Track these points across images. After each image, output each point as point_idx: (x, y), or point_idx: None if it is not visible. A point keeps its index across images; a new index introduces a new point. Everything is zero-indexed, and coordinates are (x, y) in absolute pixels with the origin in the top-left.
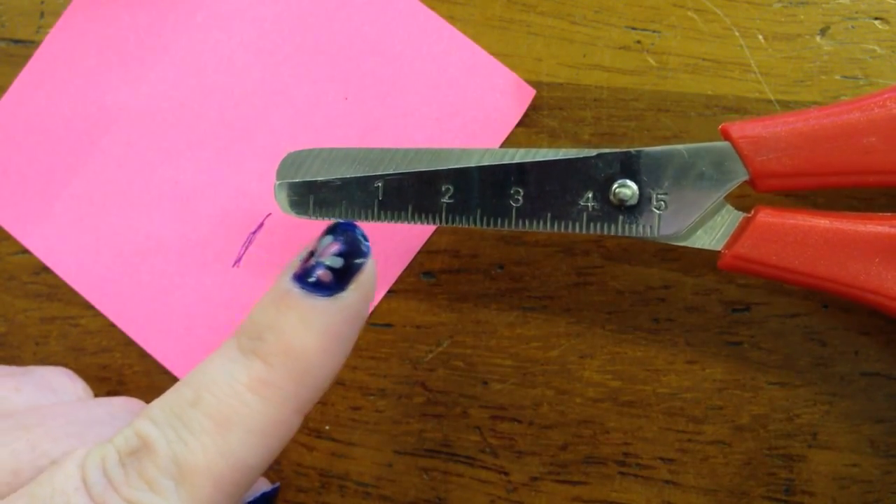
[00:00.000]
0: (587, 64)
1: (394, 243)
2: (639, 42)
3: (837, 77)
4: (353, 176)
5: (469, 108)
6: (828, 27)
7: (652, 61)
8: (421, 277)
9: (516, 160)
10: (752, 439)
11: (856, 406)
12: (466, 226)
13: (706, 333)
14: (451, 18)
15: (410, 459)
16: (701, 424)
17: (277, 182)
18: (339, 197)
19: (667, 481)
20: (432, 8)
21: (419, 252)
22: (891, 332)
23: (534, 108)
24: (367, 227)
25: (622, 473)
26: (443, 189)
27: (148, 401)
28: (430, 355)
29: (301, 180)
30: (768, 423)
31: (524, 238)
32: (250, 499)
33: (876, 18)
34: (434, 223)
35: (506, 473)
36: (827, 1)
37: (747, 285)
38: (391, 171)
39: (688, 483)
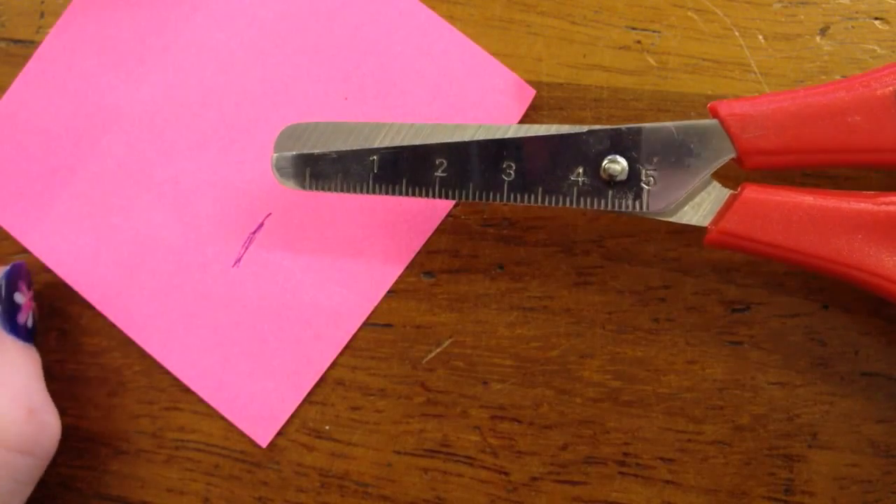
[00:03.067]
0: (587, 64)
1: (394, 243)
2: (639, 42)
3: (837, 77)
4: (349, 149)
5: (469, 108)
6: (828, 27)
7: (652, 61)
8: (421, 277)
9: (509, 135)
10: (752, 439)
11: (856, 406)
12: (459, 199)
13: (706, 333)
14: (451, 18)
15: (410, 459)
16: (701, 424)
17: (275, 154)
18: (335, 170)
19: (667, 481)
20: (432, 8)
21: (419, 252)
22: (891, 332)
23: (534, 108)
24: (368, 224)
25: (622, 473)
26: (437, 163)
27: (147, 399)
28: (430, 355)
29: (298, 153)
30: (768, 423)
31: (524, 238)
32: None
33: (876, 18)
34: (428, 196)
35: (506, 473)
36: (827, 1)
37: (747, 285)
38: (386, 145)
39: (688, 483)
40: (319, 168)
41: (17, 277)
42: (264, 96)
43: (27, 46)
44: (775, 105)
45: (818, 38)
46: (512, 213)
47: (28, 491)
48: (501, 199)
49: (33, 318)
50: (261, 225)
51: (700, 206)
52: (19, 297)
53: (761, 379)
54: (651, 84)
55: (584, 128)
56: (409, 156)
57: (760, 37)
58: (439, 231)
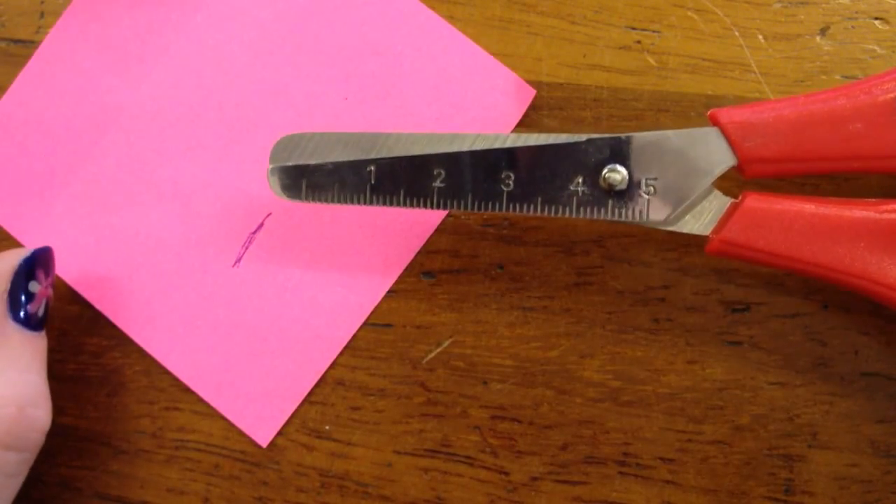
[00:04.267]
0: (587, 64)
1: (394, 243)
2: (639, 42)
3: (837, 77)
4: (345, 160)
5: (469, 108)
6: (828, 27)
7: (652, 61)
8: (421, 277)
9: (507, 145)
10: (752, 439)
11: (856, 406)
12: (458, 210)
13: (706, 333)
14: (451, 18)
15: (410, 459)
16: (701, 424)
17: (270, 166)
18: (332, 181)
19: (667, 481)
20: (432, 8)
21: (419, 252)
22: (891, 332)
23: (534, 108)
24: (368, 224)
25: (622, 473)
26: (434, 173)
27: (147, 399)
28: (430, 355)
29: (294, 164)
30: (768, 423)
31: (524, 238)
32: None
33: (876, 18)
34: (426, 207)
35: (506, 473)
36: (827, 1)
37: (747, 285)
38: (384, 156)
39: (688, 483)
40: (315, 179)
41: (36, 265)
42: (264, 96)
43: (27, 46)
44: (776, 112)
45: (818, 38)
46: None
47: (16, 483)
48: (500, 210)
49: (46, 305)
50: (261, 225)
51: (701, 215)
52: (34, 286)
53: (761, 379)
54: (651, 84)
55: (584, 137)
56: (407, 166)
57: (760, 37)
58: (439, 231)
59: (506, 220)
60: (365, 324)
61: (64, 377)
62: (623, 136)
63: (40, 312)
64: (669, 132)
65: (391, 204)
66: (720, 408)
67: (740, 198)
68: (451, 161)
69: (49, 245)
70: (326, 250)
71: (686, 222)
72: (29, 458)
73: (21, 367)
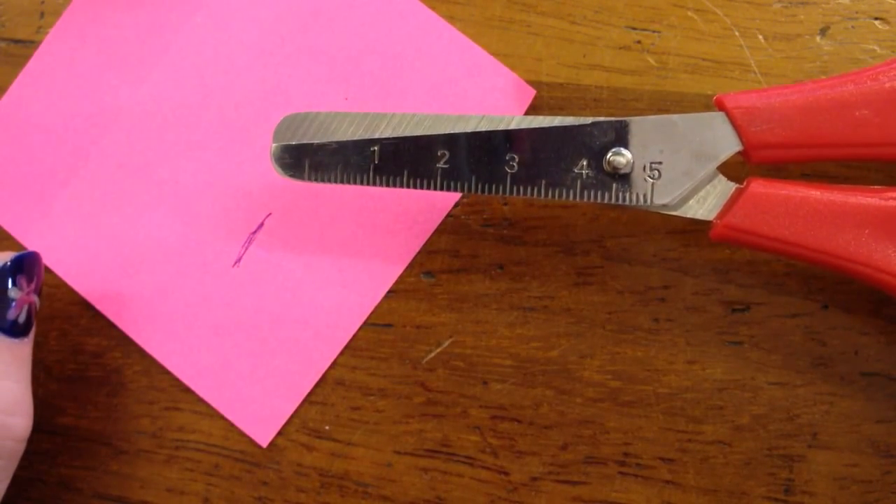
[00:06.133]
0: (587, 64)
1: (394, 243)
2: (639, 42)
3: None
4: (349, 140)
5: (469, 108)
6: (828, 27)
7: (652, 61)
8: (421, 277)
9: (512, 127)
10: (752, 439)
11: (856, 406)
12: (461, 192)
13: (706, 333)
14: (451, 18)
15: (410, 459)
16: (701, 424)
17: (273, 144)
18: (335, 161)
19: (667, 481)
20: (432, 8)
21: (419, 252)
22: (891, 332)
23: (534, 108)
24: (368, 224)
25: (622, 473)
26: (439, 154)
27: (147, 399)
28: (430, 355)
29: (297, 143)
30: (768, 423)
31: (524, 238)
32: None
33: (876, 18)
34: (429, 188)
35: (506, 473)
36: (827, 1)
37: (747, 285)
38: (387, 136)
39: (688, 483)
40: (319, 159)
41: (17, 271)
42: (264, 96)
43: (27, 46)
44: (782, 98)
45: (818, 38)
46: (512, 213)
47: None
48: (504, 192)
49: (28, 312)
50: (261, 225)
51: (705, 200)
52: (14, 293)
53: (761, 379)
54: (651, 84)
55: (589, 119)
56: (411, 147)
57: (760, 37)
58: (439, 231)
59: (506, 220)
60: (365, 324)
61: (64, 377)
62: (628, 119)
63: (21, 319)
64: (675, 116)
65: (394, 185)
66: (720, 408)
67: (745, 183)
68: (456, 142)
69: (45, 247)
70: (326, 250)
71: (690, 207)
72: (7, 465)
73: None
